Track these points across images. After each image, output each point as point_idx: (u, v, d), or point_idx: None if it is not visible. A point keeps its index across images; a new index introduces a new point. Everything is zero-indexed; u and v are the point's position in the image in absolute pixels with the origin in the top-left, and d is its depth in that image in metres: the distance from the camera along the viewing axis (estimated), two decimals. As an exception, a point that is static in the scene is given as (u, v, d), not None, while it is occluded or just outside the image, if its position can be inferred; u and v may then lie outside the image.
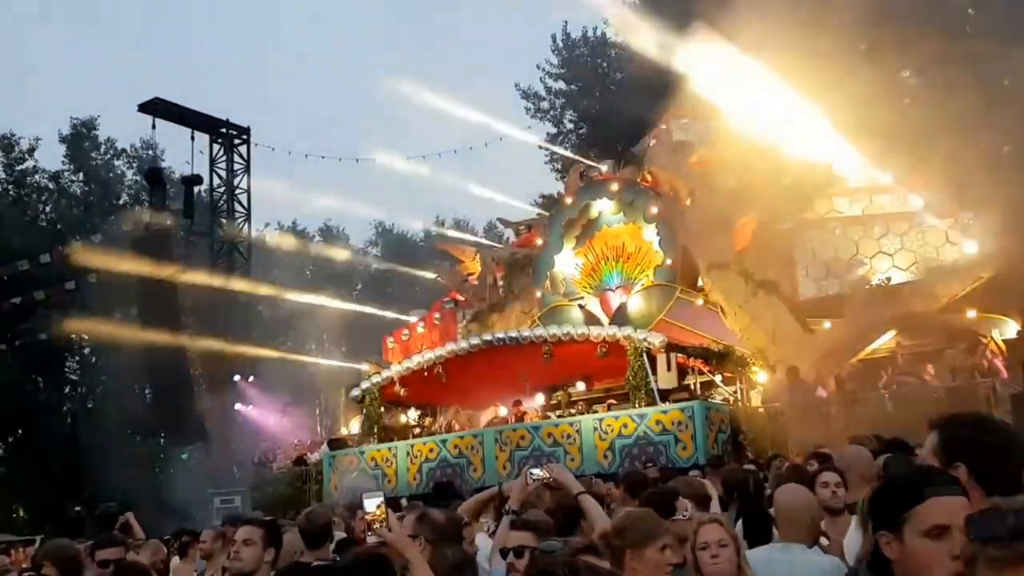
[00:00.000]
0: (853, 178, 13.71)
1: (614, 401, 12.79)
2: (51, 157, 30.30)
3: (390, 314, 22.71)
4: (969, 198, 11.83)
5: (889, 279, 12.99)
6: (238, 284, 22.12)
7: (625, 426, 11.45)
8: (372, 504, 2.20)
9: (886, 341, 12.40)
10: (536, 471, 3.10)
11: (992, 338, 11.68)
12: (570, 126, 31.69)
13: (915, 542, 1.46)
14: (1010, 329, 11.92)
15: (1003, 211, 10.83)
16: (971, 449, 1.73)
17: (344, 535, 4.55)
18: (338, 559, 3.39)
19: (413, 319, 19.94)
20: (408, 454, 13.12)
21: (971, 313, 11.79)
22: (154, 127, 21.69)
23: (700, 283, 14.67)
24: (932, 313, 11.89)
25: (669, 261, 14.90)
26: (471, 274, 19.66)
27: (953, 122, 9.81)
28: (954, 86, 9.99)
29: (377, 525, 2.18)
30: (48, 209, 29.59)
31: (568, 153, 25.44)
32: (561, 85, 31.59)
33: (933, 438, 1.81)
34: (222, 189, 22.66)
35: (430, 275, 23.23)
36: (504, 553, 2.62)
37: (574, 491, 3.11)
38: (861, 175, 13.56)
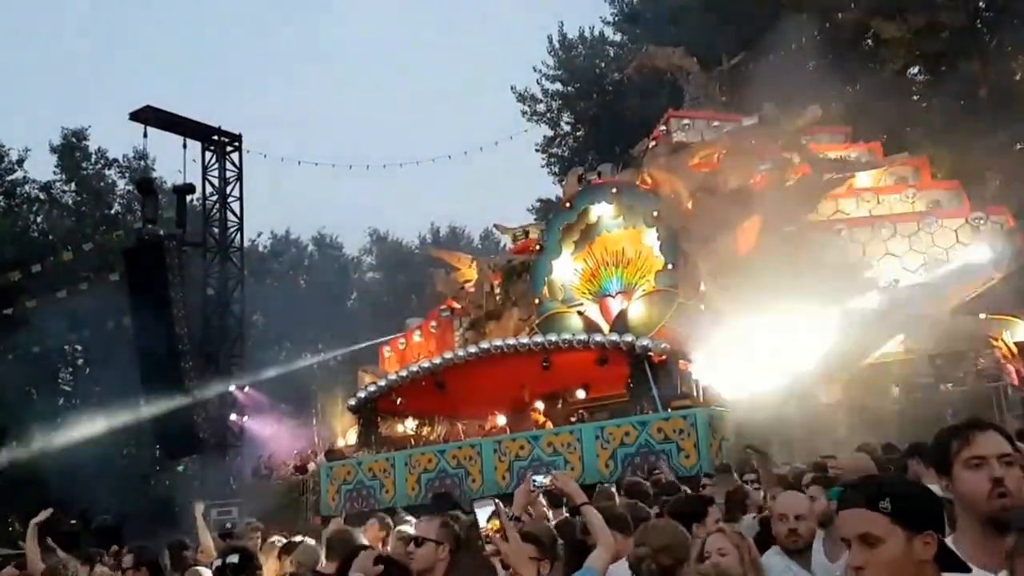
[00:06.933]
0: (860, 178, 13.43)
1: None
2: (42, 168, 30.01)
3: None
4: (980, 197, 11.57)
5: (897, 281, 12.70)
6: (231, 293, 21.84)
7: (627, 434, 11.17)
8: (484, 516, 1.96)
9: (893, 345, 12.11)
10: (539, 478, 2.96)
11: (1004, 340, 11.40)
12: (567, 128, 31.35)
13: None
14: (1021, 331, 11.65)
15: (1015, 210, 10.57)
16: None
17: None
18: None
19: (409, 328, 19.62)
20: (406, 464, 12.83)
21: (981, 315, 11.52)
22: (145, 135, 21.39)
23: (702, 288, 14.38)
24: (942, 316, 11.60)
25: (670, 266, 14.61)
26: (467, 281, 19.34)
27: (963, 119, 9.55)
28: (965, 82, 9.73)
29: (494, 535, 1.97)
30: (39, 219, 29.24)
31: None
32: (558, 87, 31.20)
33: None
34: (214, 197, 22.33)
35: (426, 283, 22.93)
36: None
37: (577, 501, 2.99)
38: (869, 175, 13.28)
